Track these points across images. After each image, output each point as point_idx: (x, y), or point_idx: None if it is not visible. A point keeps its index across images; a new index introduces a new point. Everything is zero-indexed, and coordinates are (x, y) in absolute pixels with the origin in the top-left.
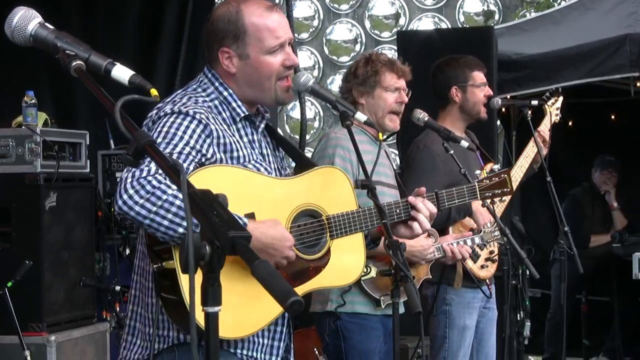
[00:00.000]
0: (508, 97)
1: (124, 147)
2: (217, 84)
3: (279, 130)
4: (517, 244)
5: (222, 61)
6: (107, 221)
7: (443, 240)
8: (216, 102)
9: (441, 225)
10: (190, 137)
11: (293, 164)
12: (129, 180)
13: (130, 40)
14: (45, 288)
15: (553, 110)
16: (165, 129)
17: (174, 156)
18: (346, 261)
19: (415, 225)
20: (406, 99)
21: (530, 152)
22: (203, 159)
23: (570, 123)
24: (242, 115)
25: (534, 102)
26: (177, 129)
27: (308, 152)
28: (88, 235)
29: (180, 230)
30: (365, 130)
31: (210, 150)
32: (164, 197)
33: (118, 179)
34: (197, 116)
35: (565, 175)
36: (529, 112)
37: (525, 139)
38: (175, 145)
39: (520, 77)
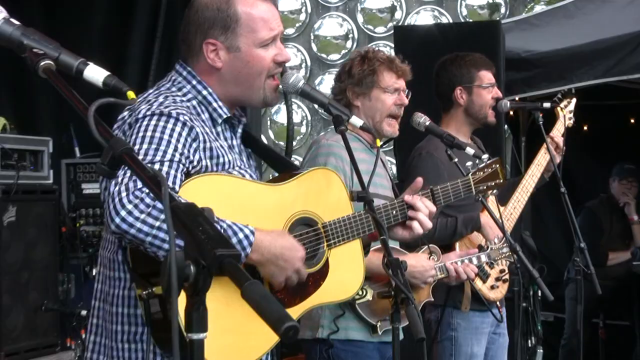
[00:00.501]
0: (517, 99)
1: (91, 156)
2: (194, 82)
3: (262, 137)
4: (528, 261)
5: (207, 54)
6: (71, 238)
7: (446, 259)
8: (194, 102)
9: (446, 241)
10: (178, 141)
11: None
12: (123, 194)
13: (98, 36)
14: (3, 313)
15: (566, 113)
16: (148, 132)
17: (165, 165)
18: (345, 272)
19: (415, 224)
20: (406, 101)
21: (542, 159)
22: (190, 166)
23: (585, 127)
24: (225, 116)
25: (546, 105)
26: (163, 132)
27: (295, 161)
28: (51, 253)
29: None
30: (359, 137)
31: (197, 157)
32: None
33: (106, 194)
34: (181, 117)
35: (580, 186)
36: (540, 115)
37: (536, 145)
38: (164, 152)
39: (530, 77)
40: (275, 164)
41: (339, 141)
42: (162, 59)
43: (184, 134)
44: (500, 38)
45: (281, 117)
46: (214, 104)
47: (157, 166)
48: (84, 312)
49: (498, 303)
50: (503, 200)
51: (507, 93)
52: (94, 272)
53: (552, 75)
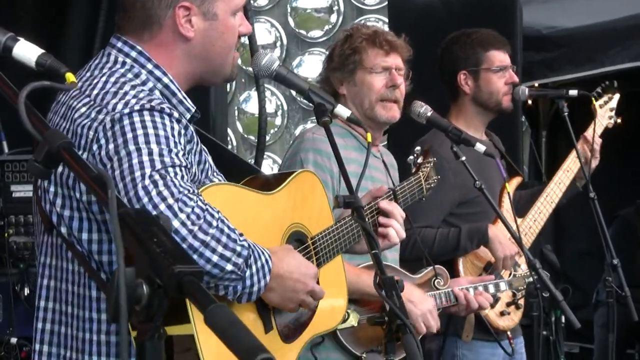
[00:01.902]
0: (536, 85)
1: (22, 151)
2: (149, 66)
3: (229, 131)
4: (550, 281)
5: (179, 20)
6: None
7: (455, 284)
8: (157, 92)
9: (447, 256)
10: (179, 142)
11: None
12: (170, 200)
13: (31, 6)
14: None
15: (605, 111)
16: (150, 130)
17: (178, 169)
18: (331, 296)
19: (392, 233)
20: (399, 81)
21: (572, 164)
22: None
23: (618, 120)
24: (193, 110)
25: (572, 93)
26: (165, 130)
27: (267, 159)
28: None
29: (229, 267)
30: (352, 132)
31: (189, 161)
32: (214, 223)
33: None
34: (175, 113)
35: (612, 191)
36: (565, 105)
37: (559, 141)
38: (176, 155)
39: (552, 59)
40: (220, 162)
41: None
42: (108, 34)
43: (183, 132)
44: (517, 12)
45: (251, 107)
46: (179, 95)
47: (172, 171)
48: (14, 340)
49: (509, 333)
50: (521, 212)
51: (525, 78)
52: (25, 292)
53: (579, 56)
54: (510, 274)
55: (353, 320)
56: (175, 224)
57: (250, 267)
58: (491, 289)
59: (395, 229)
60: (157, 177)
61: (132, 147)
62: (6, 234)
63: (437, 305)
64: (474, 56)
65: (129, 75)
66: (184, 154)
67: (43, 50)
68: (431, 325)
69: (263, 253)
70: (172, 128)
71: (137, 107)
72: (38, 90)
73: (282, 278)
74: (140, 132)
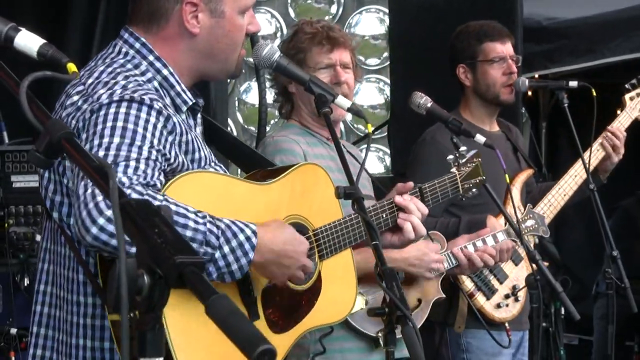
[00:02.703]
0: (536, 76)
1: (23, 142)
2: (151, 57)
3: (230, 122)
4: (550, 272)
5: (185, 16)
6: None
7: (453, 245)
8: (155, 83)
9: None
10: (153, 135)
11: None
12: (98, 197)
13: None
14: None
15: (636, 104)
16: (119, 123)
17: (141, 163)
18: (338, 289)
19: (408, 228)
20: (344, 78)
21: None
22: (166, 165)
23: (618, 112)
24: (190, 103)
25: (572, 84)
26: (136, 123)
27: None
28: None
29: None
30: (311, 131)
31: (173, 152)
32: None
33: (75, 199)
34: (156, 105)
35: (612, 182)
36: (565, 96)
37: (559, 131)
38: (140, 148)
39: (553, 50)
40: (237, 156)
41: (289, 135)
42: (110, 25)
43: (159, 125)
44: (517, 3)
45: (252, 97)
46: (177, 87)
47: (132, 164)
48: (13, 331)
49: (507, 325)
50: (534, 204)
51: (526, 69)
52: (25, 282)
53: (580, 47)
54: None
55: (361, 303)
56: (101, 220)
57: (220, 248)
58: (489, 241)
59: (413, 225)
60: None
61: (96, 142)
62: (6, 224)
63: (440, 270)
64: (470, 49)
65: (129, 66)
66: (159, 144)
67: (45, 41)
68: (440, 269)
69: (243, 230)
70: (146, 120)
71: (116, 98)
72: (40, 80)
73: (276, 253)
74: (109, 124)
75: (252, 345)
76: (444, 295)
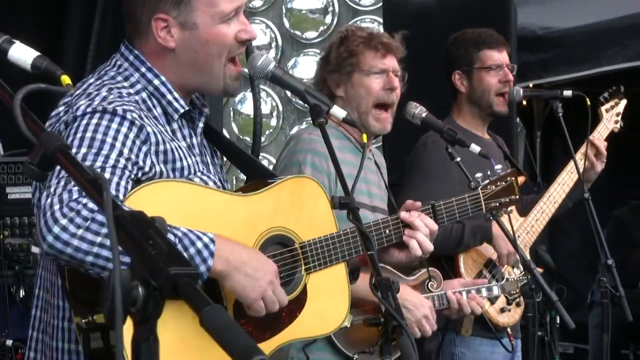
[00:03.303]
0: (531, 86)
1: (17, 153)
2: (143, 69)
3: (224, 132)
4: (545, 282)
5: (157, 33)
6: None
7: (448, 287)
8: (144, 94)
9: (450, 252)
10: (123, 144)
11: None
12: (56, 206)
13: (26, 9)
14: None
15: (611, 115)
16: (88, 134)
17: (106, 172)
18: (326, 302)
19: (414, 245)
20: (396, 83)
21: (567, 179)
22: (140, 173)
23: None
24: (182, 111)
25: (567, 93)
26: (105, 133)
27: (263, 160)
28: None
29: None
30: (347, 134)
31: (148, 162)
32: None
33: (37, 209)
34: (128, 115)
35: (606, 191)
36: (560, 106)
37: (553, 140)
38: (106, 157)
39: (547, 60)
40: (244, 166)
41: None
42: (104, 37)
43: (132, 135)
44: (511, 12)
45: (247, 108)
46: (168, 96)
47: None
48: (9, 342)
49: (509, 330)
50: (524, 211)
51: (520, 79)
52: (21, 294)
53: (575, 57)
54: (504, 279)
55: (346, 321)
56: (56, 229)
57: None
58: (484, 292)
59: (419, 241)
60: (62, 181)
61: (75, 146)
62: (1, 236)
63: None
64: (466, 56)
65: (118, 78)
66: (129, 153)
67: (38, 53)
68: (426, 330)
69: (200, 238)
70: (117, 130)
71: (89, 110)
72: (34, 92)
73: (242, 262)
74: (78, 135)
75: (245, 357)
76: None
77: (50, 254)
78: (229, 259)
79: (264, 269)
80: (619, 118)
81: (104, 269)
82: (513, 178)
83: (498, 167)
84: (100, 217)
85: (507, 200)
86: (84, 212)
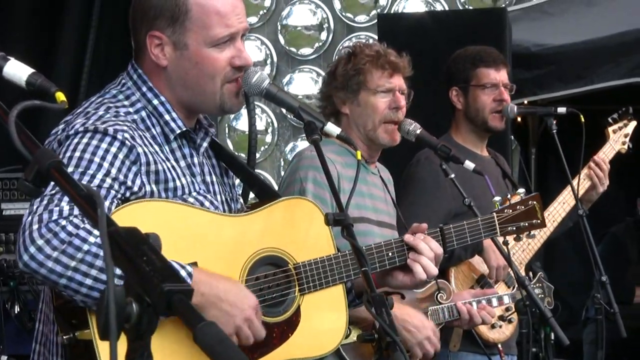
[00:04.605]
0: (525, 102)
1: (12, 169)
2: (144, 88)
3: None
4: (539, 298)
5: (150, 49)
6: None
7: (458, 298)
8: (143, 114)
9: (442, 266)
10: (111, 164)
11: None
12: (34, 226)
13: (21, 25)
14: None
15: (619, 137)
16: (76, 153)
17: (63, 201)
18: (322, 323)
19: (418, 269)
20: (402, 103)
21: (569, 198)
22: (128, 193)
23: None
24: (178, 131)
25: (561, 110)
26: (94, 153)
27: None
28: None
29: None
30: (350, 149)
31: (138, 182)
32: (85, 247)
33: (21, 227)
34: (119, 136)
35: (601, 208)
36: (554, 123)
37: (548, 157)
38: (92, 177)
39: (541, 76)
40: (255, 187)
41: (327, 153)
42: (99, 53)
43: (121, 155)
44: (506, 29)
45: (242, 124)
46: (166, 116)
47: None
48: (4, 358)
49: (500, 346)
50: None
51: (514, 95)
52: (16, 310)
53: (568, 74)
54: (513, 288)
55: (354, 336)
56: (32, 249)
57: None
58: (494, 302)
59: (423, 266)
60: (45, 200)
61: (69, 167)
62: None
63: (440, 320)
64: (463, 73)
65: (120, 97)
66: (117, 173)
67: (33, 70)
68: (429, 351)
69: (180, 269)
70: (106, 150)
71: (81, 129)
72: (29, 109)
73: (218, 297)
74: (67, 154)
75: None
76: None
77: (26, 271)
78: (204, 293)
79: (241, 305)
80: (627, 139)
81: (76, 292)
82: (535, 202)
83: (521, 190)
84: (78, 242)
85: (527, 224)
86: (62, 235)
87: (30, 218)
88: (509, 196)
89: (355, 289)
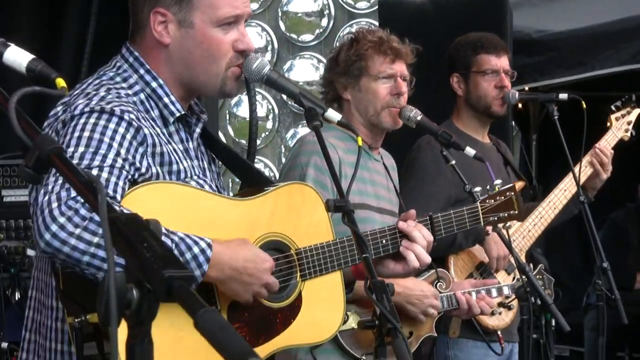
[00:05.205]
0: (526, 89)
1: (12, 156)
2: (142, 71)
3: (220, 135)
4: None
5: (154, 26)
6: None
7: (457, 287)
8: (142, 95)
9: (441, 253)
10: (120, 145)
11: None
12: (54, 204)
13: (22, 12)
14: None
15: (622, 124)
16: (85, 133)
17: (104, 171)
18: (321, 310)
19: (411, 257)
20: (404, 89)
21: (570, 185)
22: (137, 175)
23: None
24: (177, 114)
25: (562, 96)
26: (102, 133)
27: (258, 163)
28: None
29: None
30: (353, 135)
31: (145, 163)
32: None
33: (33, 207)
34: (126, 116)
35: (602, 194)
36: (555, 109)
37: (549, 144)
38: (104, 157)
39: (542, 63)
40: (241, 173)
41: (329, 138)
42: (99, 40)
43: (129, 136)
44: (507, 15)
45: (242, 110)
46: (165, 99)
47: (94, 173)
48: (4, 345)
49: (499, 333)
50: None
51: (516, 82)
52: (16, 296)
53: (569, 60)
54: (514, 279)
55: (353, 322)
56: (54, 227)
57: None
58: (494, 292)
59: (416, 253)
60: (60, 179)
61: (72, 145)
62: None
63: (439, 309)
64: (464, 59)
65: (117, 79)
66: (127, 154)
67: (33, 56)
68: (432, 314)
69: (197, 243)
70: (114, 130)
71: (87, 110)
72: (29, 95)
73: (237, 271)
74: (76, 134)
75: (240, 359)
76: (435, 334)
77: (48, 252)
78: (224, 268)
79: (258, 272)
80: (630, 127)
81: (99, 269)
82: (512, 193)
83: (498, 181)
84: (98, 217)
85: (506, 215)
86: (82, 211)
87: (47, 197)
88: (488, 187)
89: (345, 278)
